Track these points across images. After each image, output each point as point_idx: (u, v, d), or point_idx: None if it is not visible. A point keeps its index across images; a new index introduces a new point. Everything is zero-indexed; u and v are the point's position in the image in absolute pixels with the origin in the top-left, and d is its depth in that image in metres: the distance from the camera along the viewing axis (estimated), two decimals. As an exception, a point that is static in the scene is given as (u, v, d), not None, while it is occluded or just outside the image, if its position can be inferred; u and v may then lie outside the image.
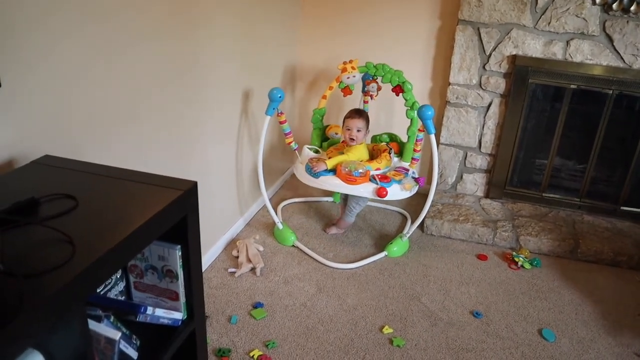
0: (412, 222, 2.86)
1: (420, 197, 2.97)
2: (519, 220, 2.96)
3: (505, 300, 2.42)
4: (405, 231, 2.73)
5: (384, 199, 2.46)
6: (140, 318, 1.17)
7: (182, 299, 1.28)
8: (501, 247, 2.84)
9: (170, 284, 1.27)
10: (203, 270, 2.33)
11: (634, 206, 3.05)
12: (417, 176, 2.63)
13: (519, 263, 2.68)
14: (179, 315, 1.28)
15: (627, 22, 2.68)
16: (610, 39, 2.74)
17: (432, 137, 2.44)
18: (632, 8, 2.63)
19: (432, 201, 3.05)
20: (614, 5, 2.65)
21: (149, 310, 1.17)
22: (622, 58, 2.76)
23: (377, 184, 2.47)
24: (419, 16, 3.03)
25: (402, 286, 2.47)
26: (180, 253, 1.23)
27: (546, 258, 2.78)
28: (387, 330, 2.17)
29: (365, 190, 2.48)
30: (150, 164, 1.90)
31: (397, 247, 2.68)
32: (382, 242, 2.80)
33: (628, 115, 2.94)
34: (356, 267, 2.58)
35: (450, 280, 2.54)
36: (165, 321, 1.24)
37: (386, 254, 2.67)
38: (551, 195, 3.14)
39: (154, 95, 1.87)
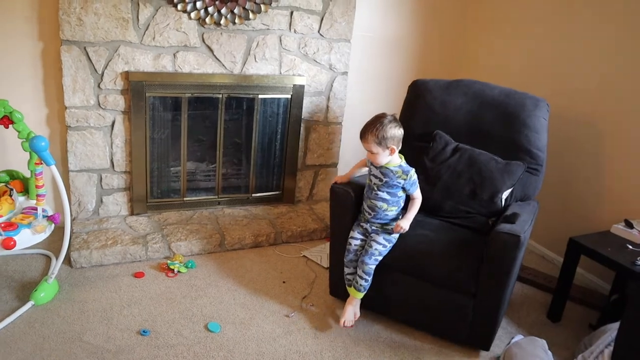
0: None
1: (62, 232, 2.74)
2: (167, 229, 3.04)
3: (169, 310, 2.47)
4: (50, 272, 2.49)
5: (14, 250, 2.17)
6: None
7: None
8: (156, 259, 2.88)
9: None
10: None
11: (262, 192, 3.50)
12: (50, 213, 2.41)
13: (175, 269, 2.76)
14: None
15: (221, 33, 3.02)
16: (210, 49, 3.03)
17: (53, 168, 2.26)
18: (222, 22, 2.96)
19: (75, 232, 2.88)
20: (207, 20, 2.94)
21: None
22: (223, 65, 3.10)
23: (0, 235, 2.16)
24: (15, 38, 2.75)
25: (59, 332, 2.24)
26: None
27: (199, 257, 2.95)
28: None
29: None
30: None
31: (45, 292, 2.42)
32: (26, 291, 2.48)
33: (239, 114, 3.34)
34: (-3, 330, 2.23)
35: (110, 308, 2.44)
36: None
37: (33, 303, 2.38)
38: (192, 198, 3.33)
39: None
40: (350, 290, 2.43)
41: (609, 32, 2.89)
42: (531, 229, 2.36)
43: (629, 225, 2.65)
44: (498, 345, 2.41)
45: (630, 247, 2.51)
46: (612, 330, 2.06)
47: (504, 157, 2.60)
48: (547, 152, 2.71)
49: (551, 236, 3.29)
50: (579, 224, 3.04)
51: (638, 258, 2.38)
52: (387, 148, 2.29)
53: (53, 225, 2.39)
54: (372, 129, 2.29)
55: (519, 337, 2.42)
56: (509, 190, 2.56)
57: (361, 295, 2.41)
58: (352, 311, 2.44)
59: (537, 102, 2.69)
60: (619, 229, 2.66)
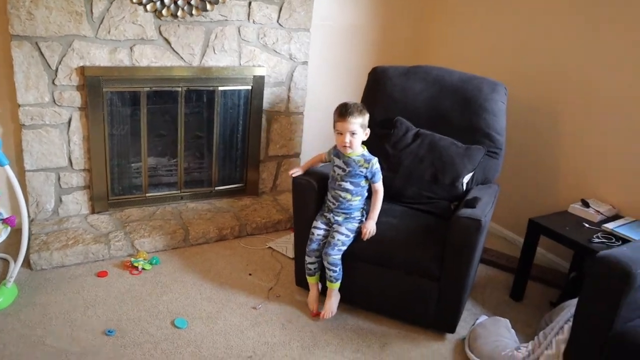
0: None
1: (20, 234, 2.66)
2: (129, 226, 2.99)
3: (134, 308, 2.43)
4: (8, 276, 2.41)
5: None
6: None
7: None
8: (119, 257, 2.82)
9: None
10: None
11: (225, 184, 3.47)
12: (5, 216, 2.34)
13: (139, 267, 2.72)
14: None
15: (179, 25, 2.96)
16: (168, 42, 2.98)
17: (7, 168, 2.19)
18: (179, 13, 2.91)
19: (34, 233, 2.81)
20: (164, 12, 2.88)
21: None
22: (182, 58, 3.04)
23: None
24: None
25: (20, 337, 2.18)
26: None
27: (164, 253, 2.91)
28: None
29: None
30: None
31: (3, 297, 2.34)
32: (-18, 296, 2.41)
33: (199, 107, 3.29)
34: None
35: (73, 309, 2.38)
36: None
37: (-9, 308, 2.32)
38: (154, 194, 3.27)
39: None
40: (328, 284, 2.44)
41: (565, 20, 2.95)
42: (492, 212, 2.42)
43: (586, 204, 2.73)
44: (463, 327, 2.46)
45: (587, 225, 2.59)
46: (571, 306, 2.12)
47: (464, 142, 2.64)
48: (506, 136, 2.77)
49: (512, 218, 3.37)
50: (538, 205, 3.12)
51: (594, 236, 2.46)
52: (364, 131, 2.34)
53: (9, 228, 2.32)
54: (358, 109, 2.32)
55: (483, 318, 2.48)
56: (470, 174, 2.61)
57: (336, 285, 2.42)
58: (334, 303, 2.45)
59: (495, 86, 2.74)
60: (576, 208, 2.74)
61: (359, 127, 2.31)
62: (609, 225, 2.54)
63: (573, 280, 2.64)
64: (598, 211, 2.66)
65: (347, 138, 2.31)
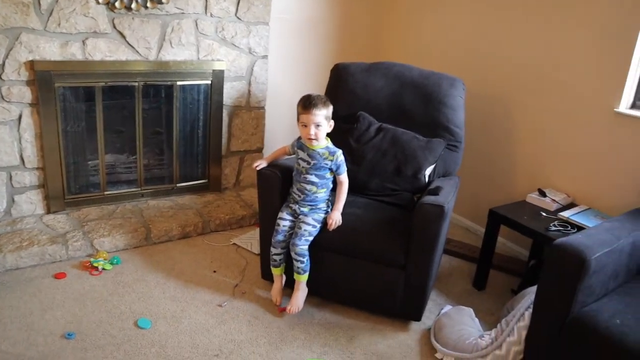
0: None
1: (-32, 236, 2.55)
2: (88, 225, 2.90)
3: (95, 309, 2.36)
4: (-42, 280, 2.31)
5: None
6: None
7: None
8: (78, 258, 2.73)
9: None
10: None
11: (187, 181, 3.41)
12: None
13: (100, 267, 2.64)
14: None
15: (133, 18, 2.88)
16: (122, 35, 2.89)
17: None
18: (133, 6, 2.83)
19: (-15, 235, 2.69)
20: (117, 4, 2.79)
21: None
22: (137, 52, 2.96)
23: None
24: None
25: (-27, 343, 2.10)
26: None
27: (125, 253, 2.84)
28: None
29: None
30: None
31: (-46, 302, 2.25)
32: None
33: (158, 102, 3.22)
34: None
35: (30, 313, 2.30)
36: None
37: (-60, 314, 2.21)
38: (113, 192, 3.18)
39: None
40: (295, 276, 2.43)
41: (517, 13, 3.02)
42: (454, 200, 2.46)
43: (542, 194, 2.81)
44: (429, 317, 2.50)
45: (544, 214, 2.67)
46: (531, 293, 2.18)
47: (426, 135, 2.68)
48: (465, 129, 2.82)
49: (473, 209, 3.44)
50: (497, 195, 3.19)
51: (551, 224, 2.53)
52: (329, 123, 2.34)
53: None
54: (322, 100, 2.32)
55: (447, 308, 2.52)
56: (432, 167, 2.64)
57: (304, 277, 2.41)
58: (301, 297, 2.44)
59: (453, 81, 2.78)
60: (533, 197, 2.81)
61: (324, 118, 2.31)
62: (565, 214, 2.62)
63: (533, 268, 2.72)
64: (554, 200, 2.74)
65: (312, 130, 2.31)
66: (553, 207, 2.71)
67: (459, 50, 3.40)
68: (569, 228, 2.50)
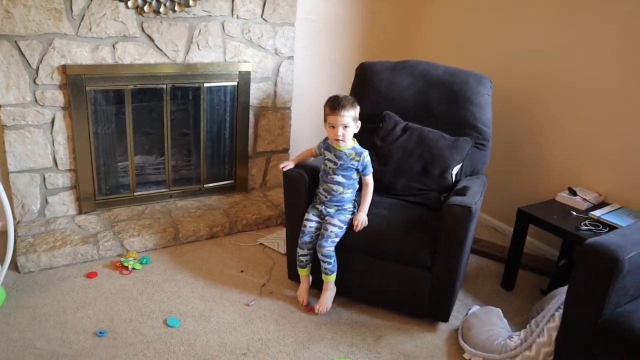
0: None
1: (6, 237, 2.62)
2: (118, 225, 2.96)
3: (125, 308, 2.41)
4: (-5, 279, 2.38)
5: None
6: None
7: None
8: (108, 258, 2.79)
9: None
10: None
11: (214, 182, 3.45)
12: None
13: (130, 266, 2.69)
14: None
15: (161, 22, 2.93)
16: (151, 39, 2.94)
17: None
18: (162, 9, 2.88)
19: (21, 235, 2.77)
20: (146, 8, 2.84)
21: None
22: (166, 54, 3.01)
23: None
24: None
25: (10, 341, 2.15)
26: None
27: (154, 253, 2.89)
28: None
29: None
30: None
31: (-9, 300, 2.32)
32: (-30, 301, 2.37)
33: (185, 104, 3.26)
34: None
35: (64, 311, 2.36)
36: None
37: (-21, 312, 2.28)
38: (142, 192, 3.24)
39: None
40: (323, 276, 2.44)
41: (548, 11, 2.97)
42: (481, 200, 2.43)
43: (573, 193, 2.76)
44: (456, 317, 2.48)
45: (575, 213, 2.62)
46: (561, 294, 2.14)
47: (452, 134, 2.65)
48: (492, 127, 2.78)
49: (501, 208, 3.39)
50: (526, 194, 3.14)
51: (582, 223, 2.48)
52: (356, 124, 2.34)
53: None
54: (350, 101, 2.33)
55: (475, 308, 2.50)
56: (459, 166, 2.62)
57: (332, 278, 2.42)
58: (329, 297, 2.45)
59: (480, 79, 2.75)
60: (563, 197, 2.76)
61: (351, 119, 2.31)
62: (596, 213, 2.57)
63: (562, 268, 2.67)
64: (585, 199, 2.69)
65: (340, 131, 2.31)
66: (584, 206, 2.66)
67: (486, 47, 3.36)
68: (601, 227, 2.45)
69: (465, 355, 2.23)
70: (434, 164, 2.58)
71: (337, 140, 2.33)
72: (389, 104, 2.81)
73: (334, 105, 2.30)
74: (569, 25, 2.85)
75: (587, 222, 2.50)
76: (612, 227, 2.43)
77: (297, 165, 2.52)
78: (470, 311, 2.48)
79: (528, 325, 2.18)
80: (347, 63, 3.73)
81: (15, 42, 2.63)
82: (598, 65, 2.74)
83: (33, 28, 2.64)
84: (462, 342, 2.28)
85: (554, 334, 2.04)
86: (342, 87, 3.52)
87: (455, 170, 2.60)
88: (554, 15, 2.93)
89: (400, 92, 2.81)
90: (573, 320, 1.94)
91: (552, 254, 3.05)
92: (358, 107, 2.36)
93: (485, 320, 2.34)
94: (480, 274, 2.91)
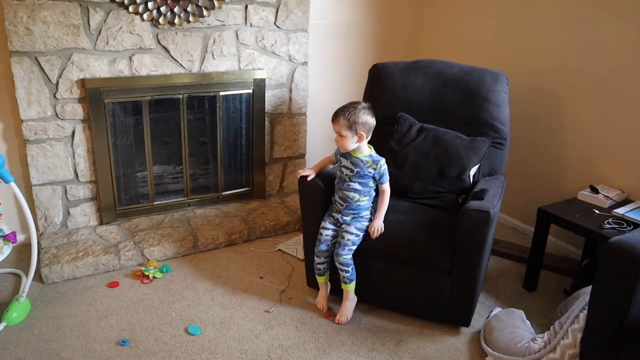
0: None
1: (30, 249, 2.67)
2: (138, 235, 2.99)
3: (147, 317, 2.43)
4: (20, 291, 2.42)
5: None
6: None
7: None
8: (129, 267, 2.83)
9: None
10: None
11: (232, 189, 3.47)
12: (5, 232, 2.33)
13: (150, 275, 2.72)
14: None
15: (176, 33, 2.96)
16: (166, 50, 2.98)
17: (12, 184, 2.20)
18: (176, 21, 2.91)
19: (44, 247, 2.82)
20: (161, 20, 2.88)
21: None
22: (181, 65, 3.04)
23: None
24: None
25: (35, 351, 2.19)
26: None
27: (174, 261, 2.91)
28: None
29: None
30: None
31: (17, 312, 2.35)
32: (-4, 313, 2.42)
33: (202, 113, 3.29)
34: (-30, 355, 2.16)
35: (87, 321, 2.39)
36: None
37: (5, 324, 2.31)
38: (161, 202, 3.28)
39: None
40: (342, 285, 2.43)
41: (565, 5, 2.93)
42: (500, 202, 2.40)
43: (594, 190, 2.71)
44: (478, 320, 2.45)
45: (597, 212, 2.57)
46: (585, 294, 2.10)
47: (469, 134, 2.62)
48: (510, 126, 2.75)
49: (521, 208, 3.34)
50: (546, 193, 3.10)
51: (605, 222, 2.44)
52: (356, 134, 2.31)
53: (11, 244, 2.31)
54: (345, 112, 2.31)
55: (497, 310, 2.46)
56: (476, 167, 2.59)
57: (351, 287, 2.41)
58: (350, 307, 2.44)
59: (497, 76, 2.72)
60: (585, 195, 2.72)
61: (345, 129, 2.30)
62: (619, 211, 2.52)
63: (586, 268, 2.62)
64: (607, 197, 2.64)
65: (337, 138, 2.36)
66: (606, 204, 2.61)
67: (502, 44, 3.32)
68: (625, 225, 2.40)
69: (488, 359, 2.20)
70: (451, 165, 2.55)
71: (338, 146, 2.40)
72: (403, 105, 2.79)
73: (333, 115, 2.36)
74: (589, 21, 2.81)
75: (610, 220, 2.46)
76: (636, 225, 2.38)
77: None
78: (492, 313, 2.44)
79: (552, 327, 2.15)
80: (361, 65, 3.72)
81: (36, 58, 2.69)
82: (618, 60, 2.69)
83: (52, 44, 2.69)
84: (484, 345, 2.25)
85: (579, 336, 2.00)
86: (357, 89, 3.52)
87: (472, 171, 2.58)
88: (573, 10, 2.88)
89: (415, 93, 2.79)
90: (598, 321, 1.90)
91: (575, 254, 3.00)
92: (358, 117, 2.29)
93: (508, 323, 2.30)
94: (502, 275, 2.87)
